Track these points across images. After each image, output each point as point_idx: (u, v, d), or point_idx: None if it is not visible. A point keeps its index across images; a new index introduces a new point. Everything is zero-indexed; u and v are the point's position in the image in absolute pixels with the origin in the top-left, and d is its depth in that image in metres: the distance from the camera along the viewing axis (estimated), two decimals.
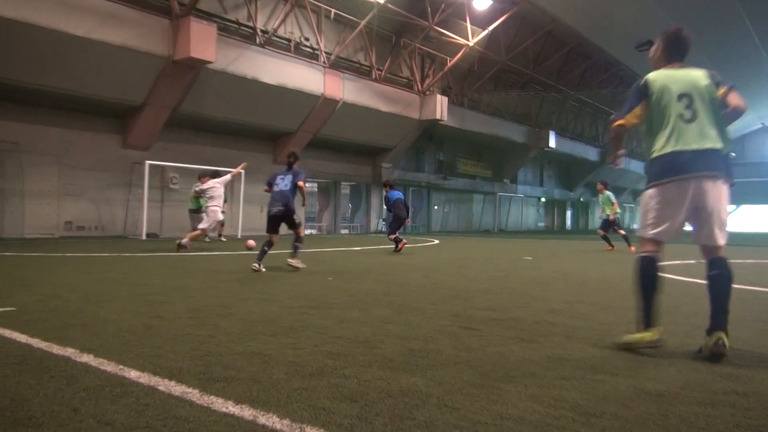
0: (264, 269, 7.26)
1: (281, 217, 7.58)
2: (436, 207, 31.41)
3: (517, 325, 3.84)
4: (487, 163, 33.30)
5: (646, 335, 3.08)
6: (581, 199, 43.38)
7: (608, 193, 13.97)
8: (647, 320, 3.14)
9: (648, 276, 3.26)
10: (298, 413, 2.03)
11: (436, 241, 17.88)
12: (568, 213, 43.49)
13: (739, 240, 22.89)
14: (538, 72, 27.95)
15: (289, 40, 19.67)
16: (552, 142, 32.06)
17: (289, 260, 7.59)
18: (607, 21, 24.33)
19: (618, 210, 14.05)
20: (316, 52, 20.48)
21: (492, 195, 34.02)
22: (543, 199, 39.62)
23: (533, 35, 25.05)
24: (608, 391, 2.36)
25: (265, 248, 7.50)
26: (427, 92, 24.39)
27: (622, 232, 14.36)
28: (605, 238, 14.16)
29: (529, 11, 23.16)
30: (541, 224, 40.92)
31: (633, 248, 12.71)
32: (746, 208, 49.18)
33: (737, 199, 48.16)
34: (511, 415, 2.07)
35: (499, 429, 1.93)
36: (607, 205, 14.00)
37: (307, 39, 20.39)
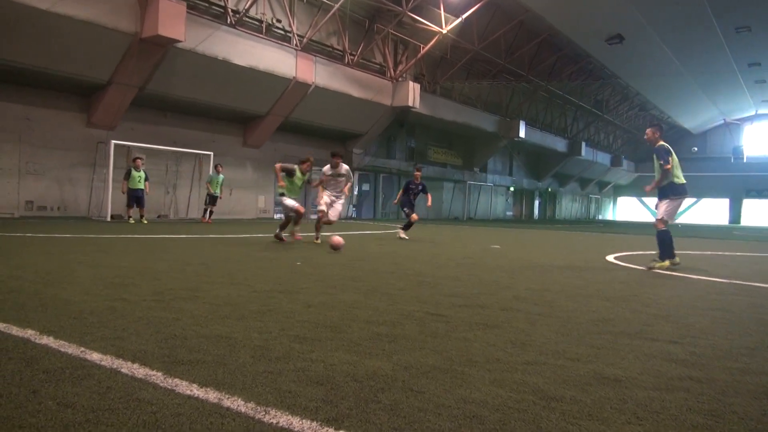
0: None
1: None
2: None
3: (482, 312, 3.89)
4: (457, 152, 33.48)
5: (665, 263, 6.99)
6: (549, 189, 44.04)
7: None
8: (668, 255, 7.06)
9: (670, 237, 7.13)
10: (263, 396, 2.03)
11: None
12: (536, 202, 44.10)
13: (697, 232, 23.58)
14: (509, 62, 28.10)
15: (261, 22, 19.33)
16: (522, 132, 32.37)
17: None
18: (578, 14, 24.57)
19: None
20: (289, 34, 20.19)
21: (462, 183, 34.26)
22: (512, 189, 40.08)
23: (506, 25, 25.14)
24: (569, 376, 2.42)
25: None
26: (400, 79, 24.31)
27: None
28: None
29: (503, 1, 23.23)
30: (510, 213, 41.42)
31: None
32: (706, 202, 50.59)
33: (698, 192, 49.72)
34: (474, 398, 2.11)
35: (462, 412, 1.97)
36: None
37: (279, 21, 20.06)
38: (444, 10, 22.31)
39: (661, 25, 25.79)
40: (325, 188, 10.10)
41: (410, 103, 23.93)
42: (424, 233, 15.95)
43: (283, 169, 9.78)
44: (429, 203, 12.56)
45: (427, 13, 22.68)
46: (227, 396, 2.01)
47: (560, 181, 45.25)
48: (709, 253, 11.21)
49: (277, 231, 9.87)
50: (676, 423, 1.94)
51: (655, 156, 7.24)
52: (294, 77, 19.47)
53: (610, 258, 8.76)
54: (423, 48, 23.77)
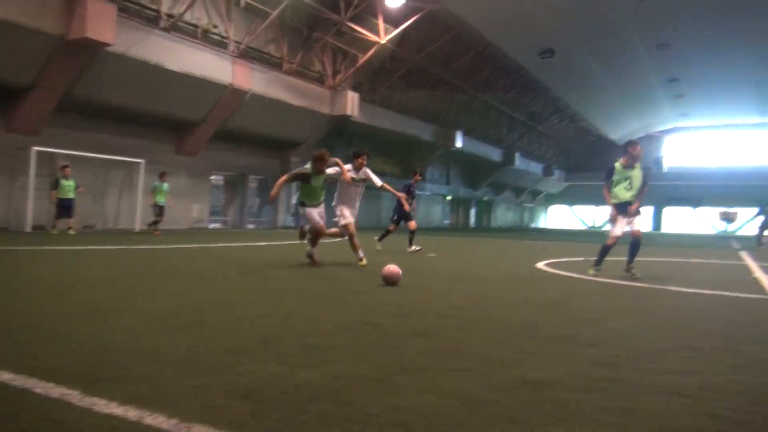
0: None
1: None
2: None
3: (417, 320, 3.95)
4: (396, 161, 33.81)
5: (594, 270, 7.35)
6: (485, 198, 45.11)
7: None
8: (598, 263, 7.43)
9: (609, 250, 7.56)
10: (187, 412, 1.98)
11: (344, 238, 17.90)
12: (472, 211, 45.05)
13: (623, 240, 24.73)
14: (447, 73, 28.69)
15: (197, 27, 18.91)
16: (459, 142, 33.05)
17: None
18: (512, 28, 25.39)
19: None
20: (225, 40, 19.84)
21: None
22: (449, 198, 40.79)
23: (443, 37, 25.66)
24: (495, 381, 2.49)
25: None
26: (339, 88, 24.34)
27: None
28: None
29: (440, 13, 23.70)
30: (447, 222, 42.12)
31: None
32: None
33: None
34: (403, 406, 2.14)
35: (390, 420, 1.99)
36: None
37: (215, 26, 19.68)
38: (383, 21, 22.55)
39: (590, 41, 27.04)
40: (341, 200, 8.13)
41: (349, 112, 23.99)
42: (362, 242, 15.97)
43: (294, 178, 7.73)
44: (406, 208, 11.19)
45: (366, 23, 22.86)
46: (149, 413, 1.95)
47: (496, 190, 46.43)
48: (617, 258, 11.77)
49: (309, 248, 7.92)
50: (590, 422, 2.03)
51: (644, 174, 7.35)
52: (230, 84, 19.14)
53: (540, 265, 9.06)
54: (362, 57, 23.91)
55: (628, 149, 7.35)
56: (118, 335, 3.14)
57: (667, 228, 51.19)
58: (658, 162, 50.13)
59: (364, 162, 8.09)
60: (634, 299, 5.51)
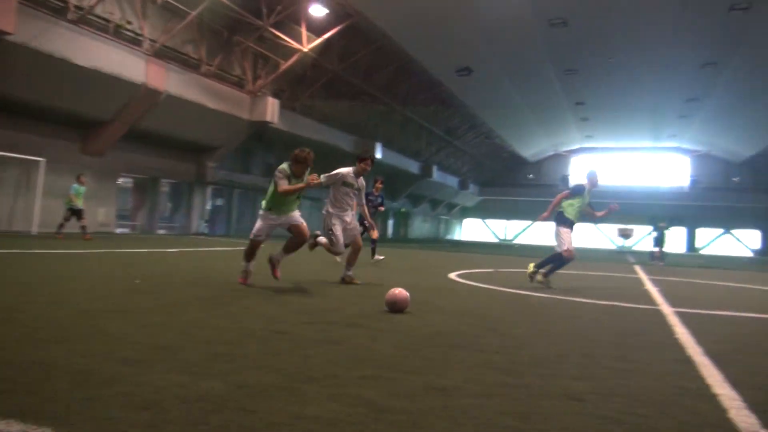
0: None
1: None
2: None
3: (327, 329, 3.94)
4: (315, 170, 33.56)
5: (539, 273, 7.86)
6: (402, 210, 45.81)
7: None
8: (542, 265, 7.85)
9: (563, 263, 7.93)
10: (78, 425, 1.88)
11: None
12: (390, 222, 45.61)
13: (533, 252, 25.91)
14: (368, 84, 28.99)
15: (109, 21, 18.01)
16: (378, 154, 33.45)
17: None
18: (432, 45, 26.08)
19: None
20: (139, 38, 19.03)
21: (319, 201, 34.46)
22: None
23: (365, 48, 25.94)
24: (400, 388, 2.54)
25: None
26: (259, 93, 23.97)
27: None
28: None
29: (363, 24, 23.95)
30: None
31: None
32: (539, 225, 55.73)
33: (533, 216, 54.46)
34: (308, 414, 2.13)
35: (294, 428, 1.98)
36: None
37: (129, 23, 18.84)
38: (306, 29, 22.49)
39: (505, 62, 28.25)
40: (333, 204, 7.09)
41: (269, 119, 23.67)
42: (275, 250, 15.78)
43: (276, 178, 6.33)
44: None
45: (289, 30, 22.71)
46: (34, 427, 1.83)
47: (413, 202, 47.27)
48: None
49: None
50: (489, 426, 2.12)
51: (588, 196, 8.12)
52: (144, 83, 18.37)
53: (452, 276, 9.32)
54: (283, 64, 23.70)
55: (591, 178, 8.17)
56: (6, 345, 2.92)
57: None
58: (564, 180, 53.04)
59: (368, 168, 6.91)
60: (537, 308, 5.78)
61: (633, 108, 36.90)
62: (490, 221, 59.75)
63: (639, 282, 10.27)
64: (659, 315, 5.59)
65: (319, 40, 22.89)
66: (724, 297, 8.57)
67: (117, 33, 18.13)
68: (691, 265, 19.36)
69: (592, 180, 8.12)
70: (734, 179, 49.38)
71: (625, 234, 41.53)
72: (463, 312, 5.23)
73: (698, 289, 9.59)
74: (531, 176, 56.74)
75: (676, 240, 42.78)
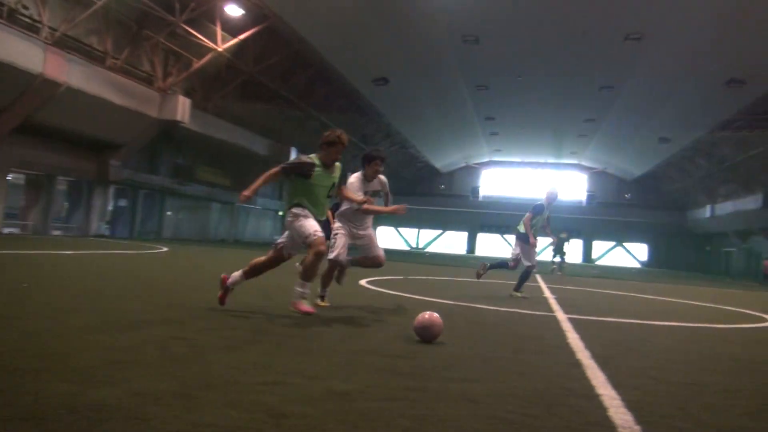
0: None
1: None
2: (169, 213, 29.73)
3: (231, 335, 3.86)
4: (227, 172, 32.80)
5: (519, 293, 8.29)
6: None
7: None
8: (519, 287, 8.34)
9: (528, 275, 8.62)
10: None
11: (165, 249, 16.88)
12: None
13: (443, 260, 26.61)
14: (284, 88, 28.67)
15: (3, 5, 16.70)
16: (293, 158, 33.18)
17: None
18: (349, 53, 26.25)
19: None
20: (37, 24, 17.77)
21: (230, 205, 33.59)
22: (281, 213, 40.52)
23: (282, 52, 25.66)
24: (301, 393, 2.54)
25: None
26: (169, 91, 23.06)
27: None
28: None
29: (281, 28, 23.69)
30: (277, 237, 41.80)
31: None
32: (449, 234, 57.29)
33: (443, 225, 56.18)
34: (205, 422, 2.08)
35: None
36: None
37: (26, 8, 17.56)
38: (221, 28, 21.94)
39: (420, 74, 28.93)
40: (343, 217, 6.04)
41: (179, 118, 22.84)
42: (185, 254, 15.21)
43: (290, 170, 5.22)
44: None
45: (203, 28, 22.06)
46: None
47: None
48: (446, 278, 12.73)
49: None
50: (386, 429, 2.17)
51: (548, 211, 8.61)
52: (41, 73, 17.16)
53: (363, 282, 9.39)
54: (196, 63, 22.97)
55: (549, 195, 8.68)
56: None
57: (480, 252, 56.04)
58: (474, 191, 54.96)
59: (380, 168, 5.90)
60: (443, 315, 5.94)
61: (538, 125, 38.94)
62: (402, 229, 60.67)
63: (539, 290, 10.83)
64: (555, 321, 5.94)
65: (234, 41, 22.42)
66: (613, 305, 9.23)
67: (12, 18, 16.84)
68: (586, 275, 20.67)
69: (550, 197, 8.68)
70: (626, 196, 53.28)
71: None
72: (369, 318, 5.30)
73: (591, 298, 10.26)
74: (443, 186, 58.23)
75: (574, 251, 45.38)
